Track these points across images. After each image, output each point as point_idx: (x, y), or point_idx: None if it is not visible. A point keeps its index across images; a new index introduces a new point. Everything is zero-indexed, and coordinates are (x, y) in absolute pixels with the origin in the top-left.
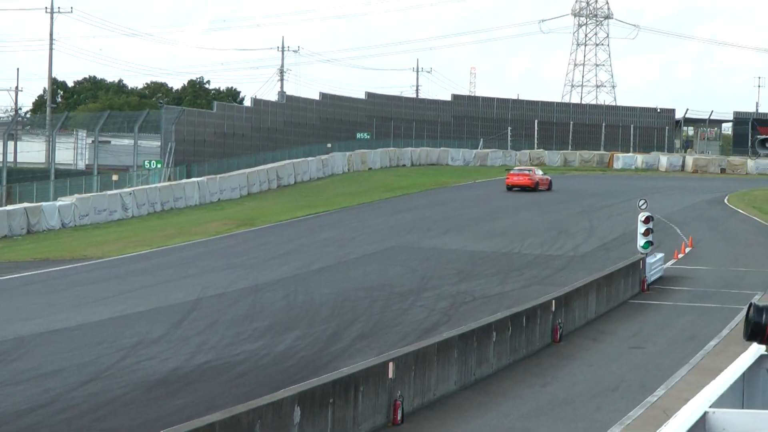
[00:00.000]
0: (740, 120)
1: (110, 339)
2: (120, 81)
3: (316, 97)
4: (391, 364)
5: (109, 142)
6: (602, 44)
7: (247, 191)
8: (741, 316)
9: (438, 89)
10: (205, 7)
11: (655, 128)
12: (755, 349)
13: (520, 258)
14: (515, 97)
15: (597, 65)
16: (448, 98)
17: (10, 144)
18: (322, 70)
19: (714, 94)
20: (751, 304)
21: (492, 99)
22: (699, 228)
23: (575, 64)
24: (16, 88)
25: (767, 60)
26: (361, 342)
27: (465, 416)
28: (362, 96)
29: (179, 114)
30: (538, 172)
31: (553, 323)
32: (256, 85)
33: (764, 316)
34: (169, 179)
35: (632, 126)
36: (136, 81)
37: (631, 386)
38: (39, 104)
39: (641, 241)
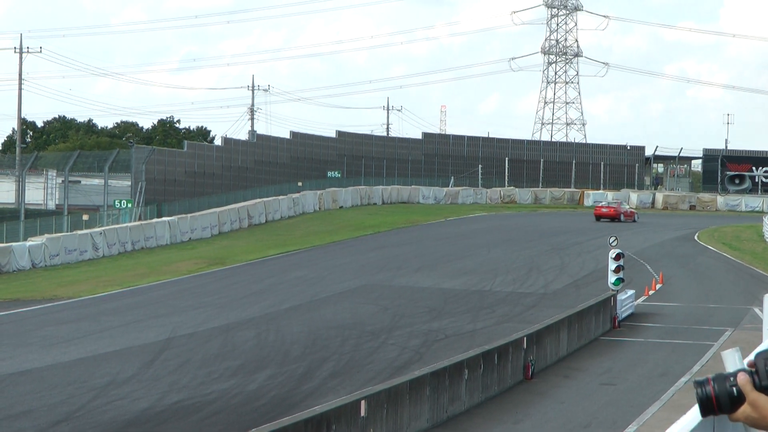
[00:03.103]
0: (710, 157)
1: (81, 379)
2: (90, 121)
3: (287, 135)
4: (363, 402)
5: (80, 181)
6: (572, 82)
7: (218, 230)
8: (712, 351)
9: (409, 127)
10: (175, 46)
11: (625, 165)
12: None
13: (492, 295)
14: (486, 135)
15: (567, 103)
16: (419, 136)
17: None
18: (292, 108)
19: (683, 132)
20: (694, 382)
21: (462, 137)
22: (669, 265)
23: (545, 102)
24: None
25: (736, 97)
26: (333, 380)
27: None
28: (333, 134)
29: (149, 153)
30: (624, 206)
31: (525, 360)
32: (227, 124)
33: (708, 387)
34: (140, 219)
35: (602, 163)
36: (106, 120)
37: (603, 423)
38: (8, 144)
39: (612, 278)
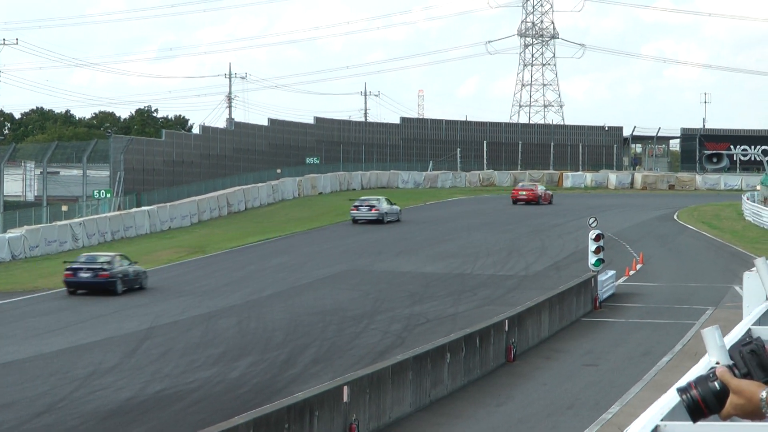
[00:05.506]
0: (688, 136)
1: (63, 370)
2: (67, 111)
3: (265, 123)
4: (345, 388)
5: (58, 172)
6: (549, 64)
7: (198, 219)
8: (693, 330)
9: (387, 112)
10: (152, 35)
11: (603, 146)
12: (706, 363)
13: (473, 278)
14: (464, 119)
15: (544, 85)
16: (397, 121)
17: None
18: (270, 96)
19: (661, 111)
20: (677, 390)
21: (440, 121)
22: (649, 245)
23: (522, 85)
24: None
25: (713, 76)
26: (315, 366)
27: None
28: (311, 121)
29: (128, 143)
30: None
31: (507, 343)
32: (205, 113)
33: (692, 391)
34: (119, 209)
35: (581, 145)
36: (83, 111)
37: (586, 404)
38: None
39: (592, 258)
